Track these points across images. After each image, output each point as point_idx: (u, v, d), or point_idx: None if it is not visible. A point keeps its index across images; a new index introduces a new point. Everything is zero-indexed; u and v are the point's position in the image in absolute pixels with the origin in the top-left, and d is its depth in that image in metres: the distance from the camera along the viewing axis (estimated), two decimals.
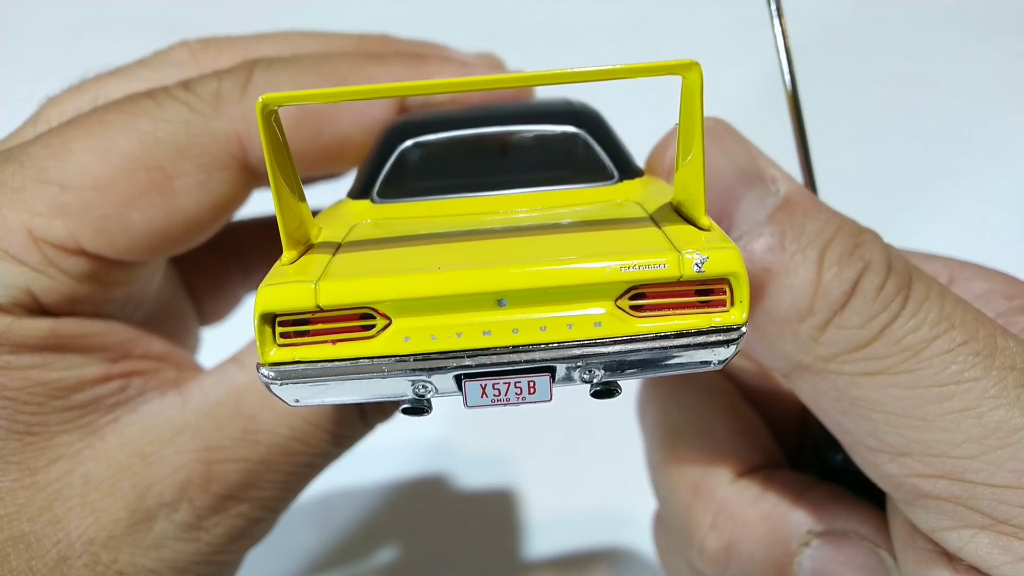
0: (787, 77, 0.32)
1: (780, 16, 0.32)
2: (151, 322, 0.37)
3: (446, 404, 0.25)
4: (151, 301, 0.38)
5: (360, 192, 0.31)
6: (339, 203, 0.32)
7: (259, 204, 0.36)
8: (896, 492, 0.28)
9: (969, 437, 0.25)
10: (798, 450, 0.38)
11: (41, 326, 0.31)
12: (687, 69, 0.22)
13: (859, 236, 0.28)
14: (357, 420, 0.34)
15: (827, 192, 0.34)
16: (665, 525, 0.39)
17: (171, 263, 0.41)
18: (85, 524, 0.30)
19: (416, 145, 0.31)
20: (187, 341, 0.44)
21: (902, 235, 0.31)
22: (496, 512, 0.56)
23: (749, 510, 0.33)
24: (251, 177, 0.35)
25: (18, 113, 0.37)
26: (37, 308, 0.31)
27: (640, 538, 0.52)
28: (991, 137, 0.76)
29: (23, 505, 0.29)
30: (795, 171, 0.32)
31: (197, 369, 0.36)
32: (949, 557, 0.27)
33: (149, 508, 0.31)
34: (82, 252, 0.31)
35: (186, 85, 0.34)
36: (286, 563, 0.53)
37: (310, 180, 0.39)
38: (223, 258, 0.44)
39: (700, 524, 0.34)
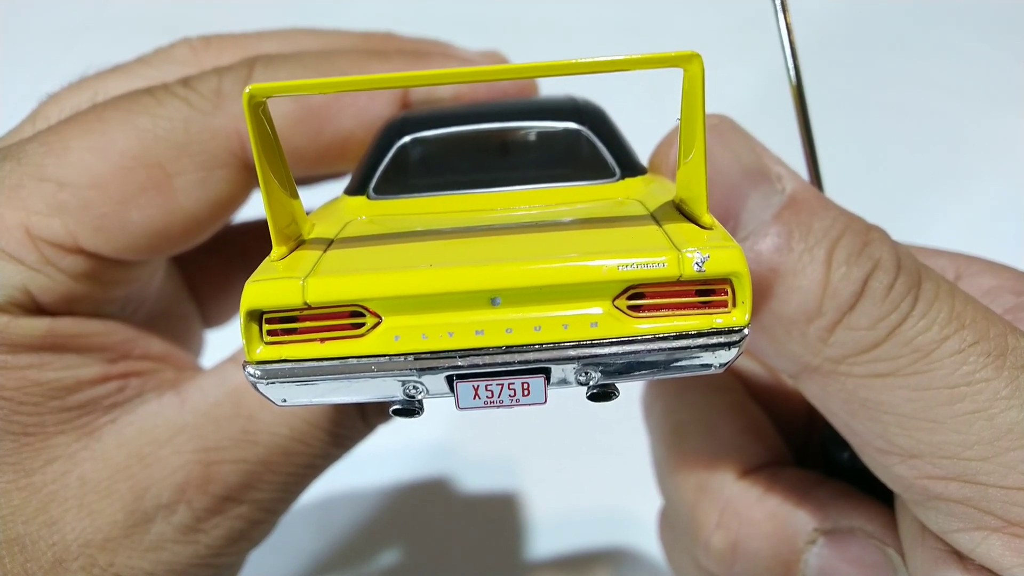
0: (792, 72, 0.32)
1: (785, 11, 0.31)
2: (151, 323, 0.36)
3: (446, 405, 0.25)
4: (152, 301, 0.38)
5: (356, 188, 0.30)
6: (335, 199, 0.31)
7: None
8: (906, 493, 0.28)
9: (981, 439, 0.25)
10: (804, 447, 0.38)
11: (38, 325, 0.30)
12: (688, 61, 0.22)
13: (867, 234, 0.28)
14: (358, 420, 0.33)
15: (829, 191, 0.34)
16: (671, 523, 0.39)
17: (174, 264, 0.41)
18: (81, 526, 0.29)
19: (415, 141, 0.31)
20: (189, 342, 0.43)
21: (903, 234, 0.31)
22: (498, 513, 0.56)
23: (755, 508, 0.33)
24: (252, 175, 0.34)
25: (18, 112, 0.36)
26: (34, 307, 0.31)
27: (644, 538, 0.52)
28: (991, 137, 0.76)
29: (18, 507, 0.29)
30: (799, 169, 0.31)
31: (197, 370, 0.36)
32: (960, 557, 0.27)
33: (147, 510, 0.30)
34: (80, 251, 0.31)
35: (186, 82, 0.33)
36: (287, 565, 0.52)
37: (313, 179, 0.39)
38: (227, 259, 0.44)
39: (706, 522, 0.34)
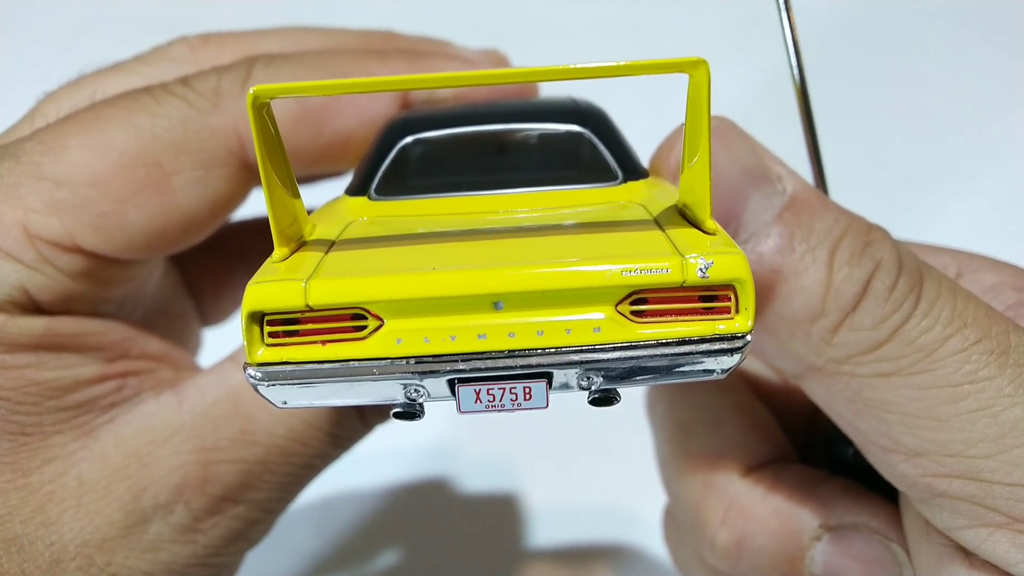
0: (795, 71, 0.32)
1: (788, 10, 0.31)
2: (149, 322, 0.36)
3: (447, 408, 0.25)
4: (150, 300, 0.38)
5: (357, 189, 0.30)
6: (336, 200, 0.31)
7: (263, 203, 0.35)
8: (911, 491, 0.28)
9: (985, 436, 0.25)
10: (808, 444, 0.38)
11: (36, 325, 0.30)
12: (694, 67, 0.22)
13: (869, 234, 0.28)
14: (356, 421, 0.33)
15: (832, 188, 0.34)
16: (676, 520, 0.39)
17: (172, 262, 0.41)
18: (79, 526, 0.29)
19: (416, 142, 0.31)
20: (187, 341, 0.43)
21: (905, 232, 0.31)
22: (498, 513, 0.56)
23: (760, 505, 0.33)
24: (250, 175, 0.34)
25: (18, 112, 0.36)
26: (32, 306, 0.31)
27: (645, 537, 0.52)
28: (992, 135, 0.76)
29: (16, 507, 0.29)
30: (803, 168, 0.31)
31: (195, 369, 0.36)
32: (965, 553, 0.27)
33: (144, 510, 0.30)
34: (78, 249, 0.31)
35: (185, 81, 0.33)
36: (285, 565, 0.52)
37: (313, 178, 0.39)
38: (225, 257, 0.43)
39: (711, 519, 0.34)
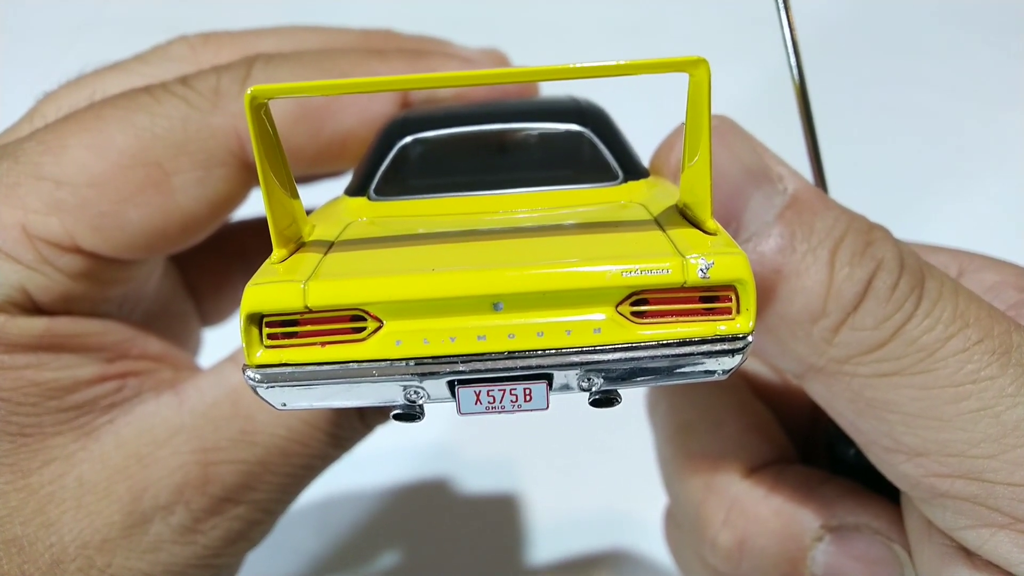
0: (794, 71, 0.32)
1: (787, 9, 0.31)
2: (149, 322, 0.36)
3: (447, 409, 0.25)
4: (149, 300, 0.38)
5: (357, 189, 0.30)
6: (335, 200, 0.31)
7: (262, 203, 0.35)
8: (913, 491, 0.28)
9: (987, 436, 0.25)
10: (809, 444, 0.38)
11: (36, 325, 0.30)
12: (694, 66, 0.22)
13: (870, 234, 0.28)
14: (356, 421, 0.33)
15: (831, 189, 0.34)
16: (677, 521, 0.39)
17: (171, 262, 0.41)
18: (79, 527, 0.29)
19: (416, 141, 0.31)
20: (187, 341, 0.43)
21: (905, 232, 0.31)
22: (498, 515, 0.56)
23: (762, 505, 0.33)
24: (250, 174, 0.34)
25: (18, 112, 0.36)
26: (32, 307, 0.31)
27: (645, 539, 0.52)
28: (992, 137, 0.76)
29: (16, 508, 0.29)
30: (803, 168, 0.31)
31: (195, 369, 0.36)
32: (967, 553, 0.27)
33: (145, 511, 0.30)
34: (78, 250, 0.31)
35: (184, 81, 0.33)
36: (286, 565, 0.52)
37: (312, 178, 0.39)
38: (226, 257, 0.43)
39: (713, 520, 0.34)
